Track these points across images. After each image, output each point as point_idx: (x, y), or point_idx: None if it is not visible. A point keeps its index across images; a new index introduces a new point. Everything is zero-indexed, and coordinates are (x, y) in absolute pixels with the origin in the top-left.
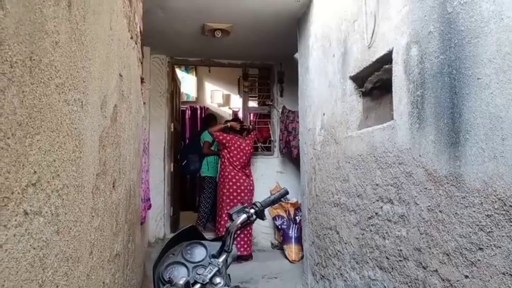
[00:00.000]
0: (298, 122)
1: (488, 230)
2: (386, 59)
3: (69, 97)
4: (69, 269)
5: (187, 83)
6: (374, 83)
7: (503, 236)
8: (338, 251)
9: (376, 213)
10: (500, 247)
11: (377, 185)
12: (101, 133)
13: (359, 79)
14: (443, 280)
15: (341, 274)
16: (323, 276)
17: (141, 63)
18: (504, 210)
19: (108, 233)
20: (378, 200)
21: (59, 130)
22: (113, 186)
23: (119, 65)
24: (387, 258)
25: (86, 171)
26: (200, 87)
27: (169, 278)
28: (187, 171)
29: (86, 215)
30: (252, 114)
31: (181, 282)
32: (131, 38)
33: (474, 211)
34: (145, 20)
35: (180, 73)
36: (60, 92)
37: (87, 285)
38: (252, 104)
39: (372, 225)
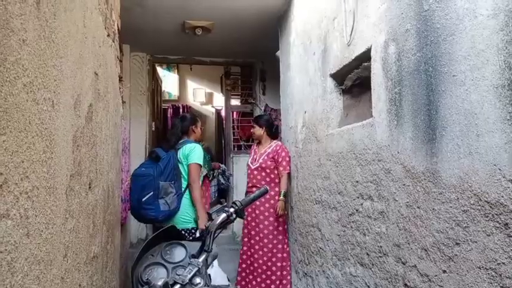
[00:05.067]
0: (280, 120)
1: (464, 225)
2: (365, 57)
3: (38, 96)
4: (41, 272)
5: (169, 81)
6: (354, 80)
7: (479, 230)
8: (320, 248)
9: (357, 210)
10: (476, 242)
11: (357, 182)
12: (74, 133)
13: (339, 77)
14: (421, 275)
15: (323, 271)
16: (306, 274)
17: (120, 61)
18: (479, 205)
19: (84, 234)
20: (358, 197)
21: (28, 130)
22: (89, 187)
23: (94, 63)
24: (368, 254)
25: (58, 172)
26: (182, 86)
27: (147, 279)
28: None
29: (59, 217)
30: (234, 113)
31: (160, 283)
32: (108, 35)
33: (451, 206)
34: (124, 17)
35: (161, 71)
36: (29, 91)
37: None
38: (235, 102)
39: (352, 222)
